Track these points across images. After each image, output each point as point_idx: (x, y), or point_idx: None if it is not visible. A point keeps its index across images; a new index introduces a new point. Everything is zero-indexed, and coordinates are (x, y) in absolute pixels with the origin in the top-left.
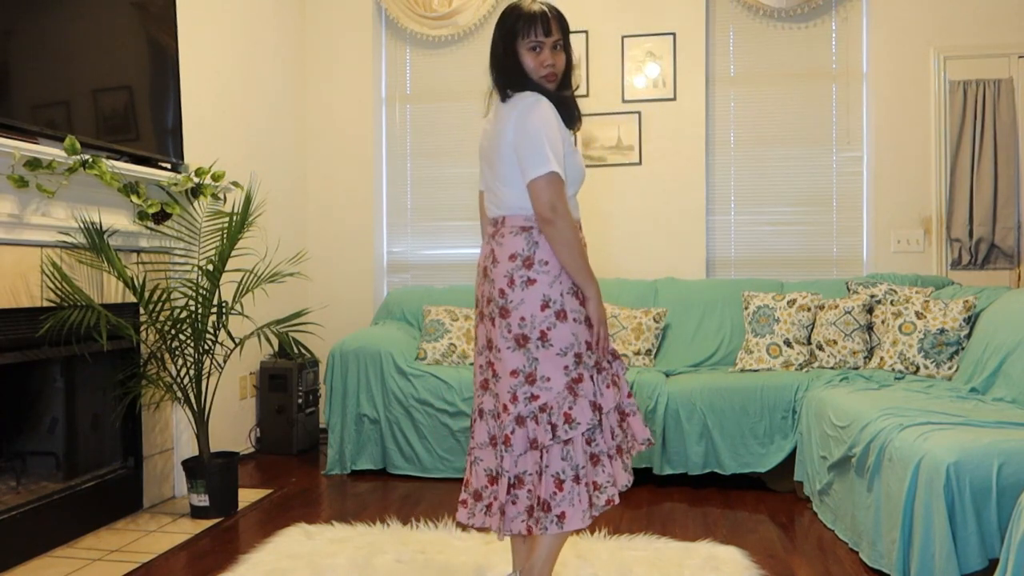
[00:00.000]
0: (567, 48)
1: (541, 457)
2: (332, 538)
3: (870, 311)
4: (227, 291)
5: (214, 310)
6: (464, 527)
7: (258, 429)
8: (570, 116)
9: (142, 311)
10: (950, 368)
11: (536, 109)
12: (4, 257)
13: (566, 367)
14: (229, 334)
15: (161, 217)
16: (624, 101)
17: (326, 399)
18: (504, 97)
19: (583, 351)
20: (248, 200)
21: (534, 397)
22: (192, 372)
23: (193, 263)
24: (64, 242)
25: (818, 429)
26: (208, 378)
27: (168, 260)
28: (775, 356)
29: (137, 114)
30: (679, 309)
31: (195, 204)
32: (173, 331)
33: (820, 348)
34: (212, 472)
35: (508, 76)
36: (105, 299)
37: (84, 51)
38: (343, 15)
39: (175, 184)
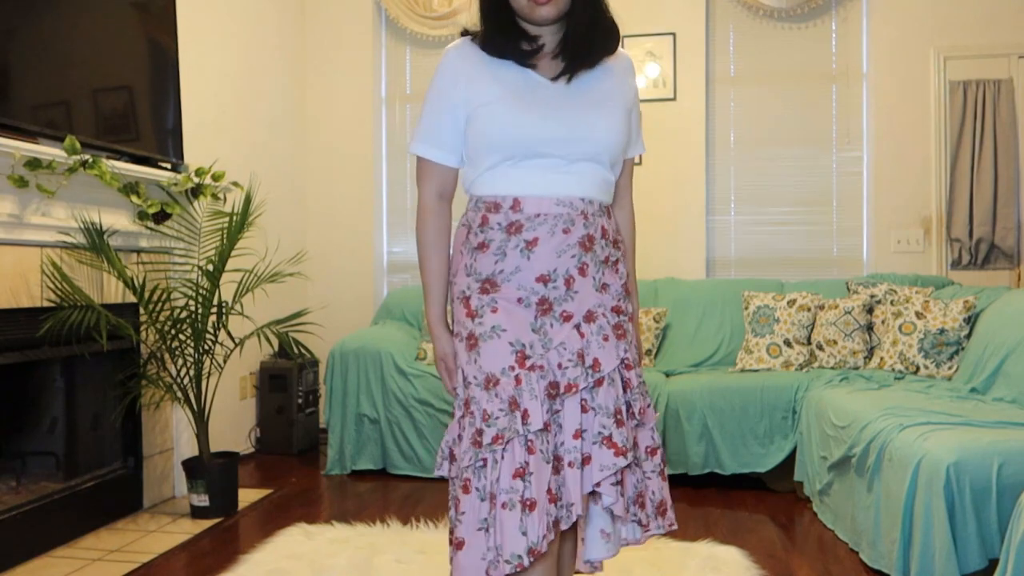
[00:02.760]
0: None
1: None
2: (332, 538)
3: (870, 311)
4: (227, 291)
5: (214, 310)
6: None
7: (258, 429)
8: (575, 52)
9: (142, 311)
10: (950, 368)
11: None
12: (4, 257)
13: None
14: (229, 334)
15: (161, 217)
16: None
17: (326, 399)
18: None
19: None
20: (248, 200)
21: None
22: (192, 372)
23: (193, 263)
24: (64, 242)
25: (818, 429)
26: (208, 378)
27: (168, 260)
28: (775, 356)
29: (137, 114)
30: (679, 309)
31: (195, 204)
32: (173, 331)
33: (820, 348)
34: (212, 472)
35: (483, 21)
36: (105, 299)
37: (84, 51)
38: (343, 15)
39: (175, 184)
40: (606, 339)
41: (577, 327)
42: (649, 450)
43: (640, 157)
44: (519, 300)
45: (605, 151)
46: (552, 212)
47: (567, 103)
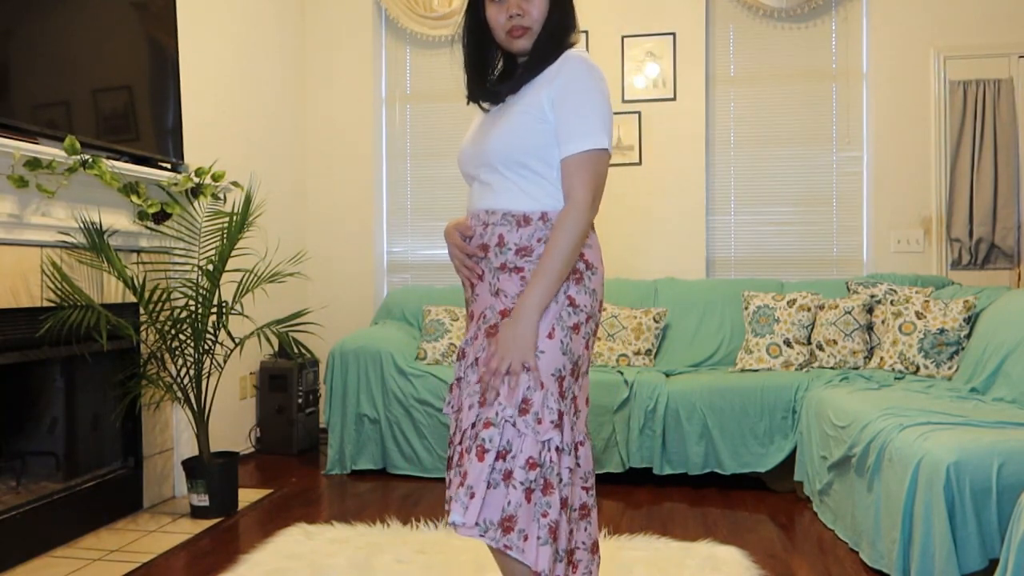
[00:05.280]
0: None
1: None
2: (332, 538)
3: (870, 311)
4: (227, 291)
5: (214, 310)
6: None
7: (258, 429)
8: (517, 76)
9: (142, 311)
10: (950, 368)
11: None
12: (4, 257)
13: None
14: (229, 334)
15: (161, 217)
16: (624, 101)
17: (326, 399)
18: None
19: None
20: (248, 200)
21: None
22: (192, 372)
23: (193, 263)
24: (64, 242)
25: (818, 429)
26: (208, 378)
27: (168, 260)
28: (775, 356)
29: (137, 114)
30: (679, 309)
31: (195, 204)
32: (173, 331)
33: (820, 348)
34: (212, 472)
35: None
36: (105, 299)
37: (84, 51)
38: (343, 15)
39: (175, 184)
40: (476, 337)
41: (479, 325)
42: (479, 449)
43: (639, 157)
44: None
45: (494, 157)
46: (470, 224)
47: (487, 125)
